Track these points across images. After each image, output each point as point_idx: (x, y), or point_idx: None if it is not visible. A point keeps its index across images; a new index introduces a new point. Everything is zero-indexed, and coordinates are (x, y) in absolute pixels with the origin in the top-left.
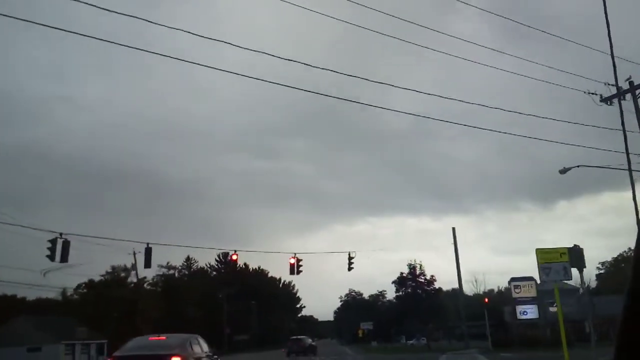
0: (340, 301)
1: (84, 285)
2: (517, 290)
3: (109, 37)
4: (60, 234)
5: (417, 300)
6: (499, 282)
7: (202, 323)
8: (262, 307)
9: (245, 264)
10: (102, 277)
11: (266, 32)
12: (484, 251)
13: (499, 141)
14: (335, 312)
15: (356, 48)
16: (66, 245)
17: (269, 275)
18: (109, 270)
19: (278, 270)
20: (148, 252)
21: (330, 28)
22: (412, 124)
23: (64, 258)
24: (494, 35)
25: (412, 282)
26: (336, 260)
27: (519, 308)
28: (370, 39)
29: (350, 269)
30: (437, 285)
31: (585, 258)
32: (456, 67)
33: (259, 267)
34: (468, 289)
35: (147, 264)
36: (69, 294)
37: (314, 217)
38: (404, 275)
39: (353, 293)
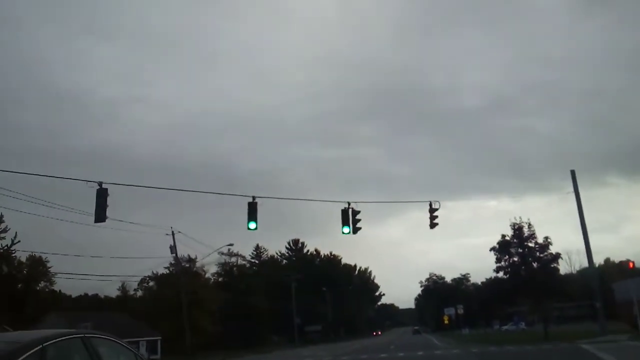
0: (421, 286)
1: (147, 278)
2: None
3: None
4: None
5: (527, 271)
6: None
7: (270, 313)
8: (335, 295)
9: (316, 250)
10: (165, 270)
11: (330, 17)
12: (569, 230)
13: (580, 112)
14: (416, 299)
15: (424, 23)
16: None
17: (343, 262)
18: (172, 262)
19: (352, 256)
20: (100, 193)
21: (394, 5)
22: (485, 100)
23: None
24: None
25: (518, 247)
26: (415, 245)
27: None
28: (439, 14)
29: (433, 225)
30: (552, 250)
31: None
32: (534, 37)
33: (330, 253)
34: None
35: (100, 216)
36: (133, 289)
37: (386, 203)
38: (507, 238)
39: (434, 277)
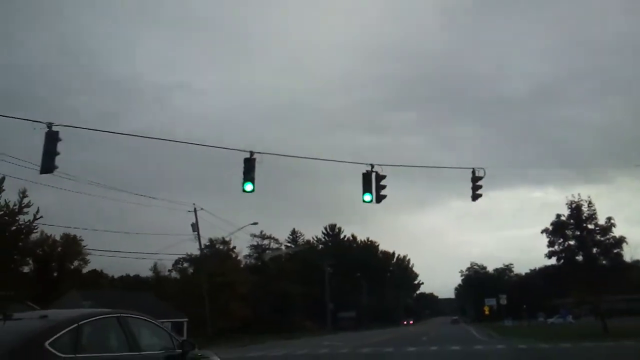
0: (462, 276)
1: (181, 260)
2: None
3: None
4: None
5: (586, 256)
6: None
7: (304, 298)
8: (371, 282)
9: (353, 235)
10: (199, 251)
11: (372, 3)
12: (619, 222)
13: (632, 101)
14: (456, 289)
15: (468, 9)
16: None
17: (380, 248)
18: (207, 243)
19: (391, 243)
20: (50, 137)
21: None
22: (532, 87)
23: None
24: None
25: (575, 229)
26: (456, 234)
27: None
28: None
29: (476, 196)
30: (615, 233)
31: None
32: (583, 22)
33: (367, 239)
34: None
35: (48, 165)
36: (167, 270)
37: (428, 192)
38: (563, 219)
39: (475, 267)
